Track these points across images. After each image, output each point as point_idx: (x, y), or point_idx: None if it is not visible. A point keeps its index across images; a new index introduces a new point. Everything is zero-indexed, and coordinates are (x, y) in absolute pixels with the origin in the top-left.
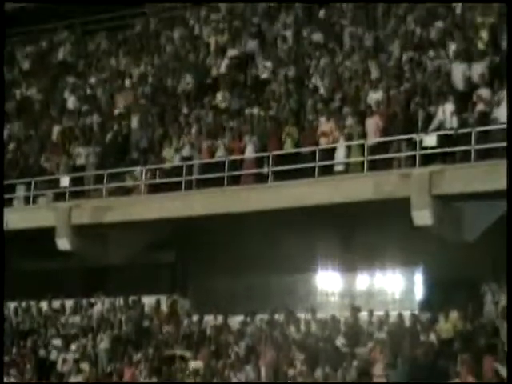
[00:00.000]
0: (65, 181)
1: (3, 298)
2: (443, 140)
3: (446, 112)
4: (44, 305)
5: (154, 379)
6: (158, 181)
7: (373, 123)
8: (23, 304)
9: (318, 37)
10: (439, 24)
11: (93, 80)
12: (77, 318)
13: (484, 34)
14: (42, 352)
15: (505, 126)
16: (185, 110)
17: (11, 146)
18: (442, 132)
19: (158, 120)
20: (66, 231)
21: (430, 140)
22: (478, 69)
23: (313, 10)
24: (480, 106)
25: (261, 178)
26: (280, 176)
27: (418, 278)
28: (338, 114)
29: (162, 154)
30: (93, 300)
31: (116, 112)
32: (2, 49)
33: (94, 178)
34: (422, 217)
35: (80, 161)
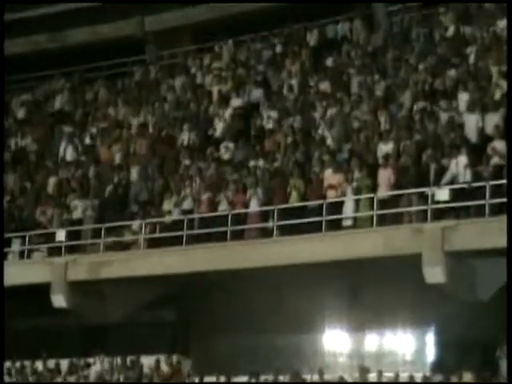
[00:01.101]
0: (61, 235)
1: None
2: (456, 194)
3: (459, 165)
4: (39, 365)
5: None
6: (157, 235)
7: (385, 176)
8: (17, 364)
9: (325, 86)
10: (452, 73)
11: (90, 130)
12: (73, 379)
13: (503, 84)
14: None
15: None
16: (186, 162)
17: (6, 198)
18: (455, 186)
19: (158, 172)
20: (62, 287)
21: (443, 194)
22: (493, 120)
23: (320, 58)
24: (495, 159)
25: (265, 233)
26: (285, 231)
27: (430, 338)
28: (345, 166)
29: (162, 207)
30: (90, 360)
31: (115, 163)
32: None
33: (92, 231)
34: (435, 274)
35: (77, 214)
